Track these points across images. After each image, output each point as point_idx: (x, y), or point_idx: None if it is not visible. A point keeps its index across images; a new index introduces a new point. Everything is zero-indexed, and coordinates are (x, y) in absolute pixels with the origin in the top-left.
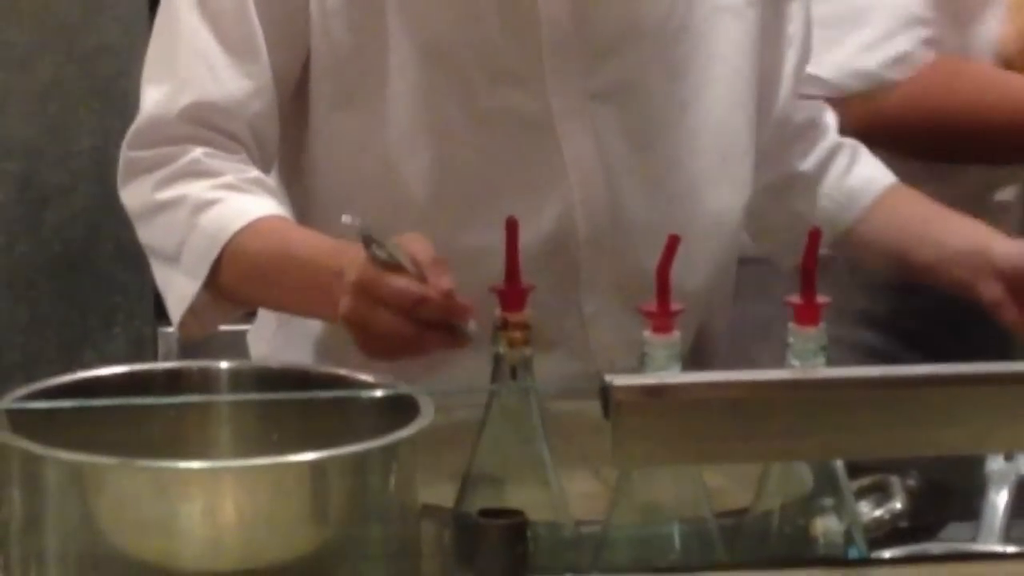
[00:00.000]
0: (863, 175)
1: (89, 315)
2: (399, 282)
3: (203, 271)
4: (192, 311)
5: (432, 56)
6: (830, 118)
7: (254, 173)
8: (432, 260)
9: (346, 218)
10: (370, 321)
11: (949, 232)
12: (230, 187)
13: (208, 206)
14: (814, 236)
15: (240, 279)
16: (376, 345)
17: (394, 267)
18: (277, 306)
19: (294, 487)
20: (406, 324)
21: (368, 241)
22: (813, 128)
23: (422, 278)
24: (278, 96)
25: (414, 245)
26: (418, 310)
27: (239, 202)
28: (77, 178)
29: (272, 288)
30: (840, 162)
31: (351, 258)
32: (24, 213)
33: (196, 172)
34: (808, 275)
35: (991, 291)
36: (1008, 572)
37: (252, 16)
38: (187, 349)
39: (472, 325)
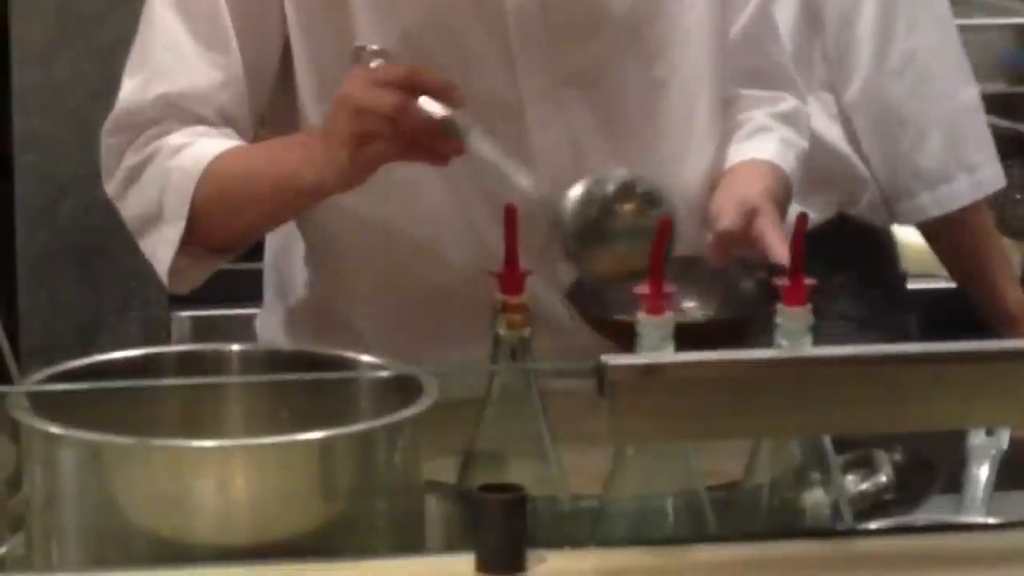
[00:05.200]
0: (744, 146)
1: (105, 301)
2: (397, 65)
3: (185, 207)
4: (179, 262)
5: (405, 46)
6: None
7: (227, 130)
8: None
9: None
10: (365, 98)
11: (722, 192)
12: (200, 134)
13: (181, 148)
14: (801, 219)
15: (221, 196)
16: (362, 132)
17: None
18: (272, 198)
19: (303, 465)
20: (392, 95)
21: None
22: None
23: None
24: (254, 87)
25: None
26: (418, 80)
27: (211, 141)
28: (94, 169)
29: (254, 181)
30: (742, 131)
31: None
32: (43, 203)
33: (168, 133)
34: (796, 257)
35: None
36: (989, 543)
37: (222, 9)
38: (199, 333)
39: (455, 115)
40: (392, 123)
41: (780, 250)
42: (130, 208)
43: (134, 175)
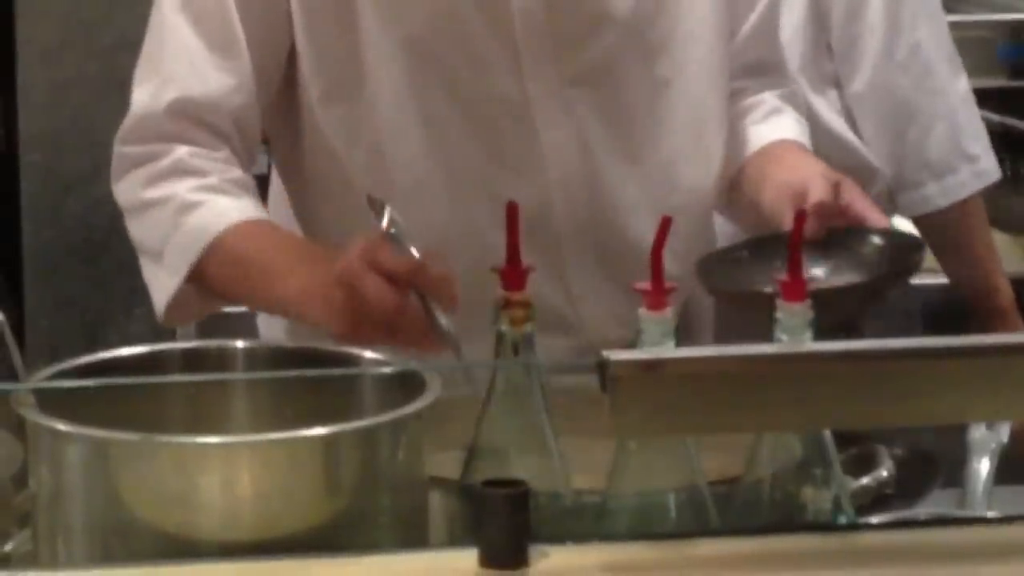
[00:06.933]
0: (766, 127)
1: (111, 298)
2: (401, 252)
3: (184, 269)
4: (175, 304)
5: (411, 49)
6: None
7: (237, 173)
8: (436, 253)
9: (373, 198)
10: (361, 282)
11: (782, 169)
12: (213, 189)
13: (192, 208)
14: (800, 214)
15: (224, 278)
16: (356, 313)
17: (402, 248)
18: (262, 302)
19: (307, 461)
20: (392, 295)
21: (383, 212)
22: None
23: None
24: (262, 91)
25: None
26: (415, 278)
27: (221, 204)
28: (98, 167)
29: (256, 286)
30: (757, 112)
31: (336, 250)
32: (48, 201)
33: (181, 171)
34: (795, 253)
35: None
36: (990, 537)
37: (233, 14)
38: (204, 330)
39: (449, 323)
40: (388, 316)
41: (876, 215)
42: (134, 231)
43: (143, 207)
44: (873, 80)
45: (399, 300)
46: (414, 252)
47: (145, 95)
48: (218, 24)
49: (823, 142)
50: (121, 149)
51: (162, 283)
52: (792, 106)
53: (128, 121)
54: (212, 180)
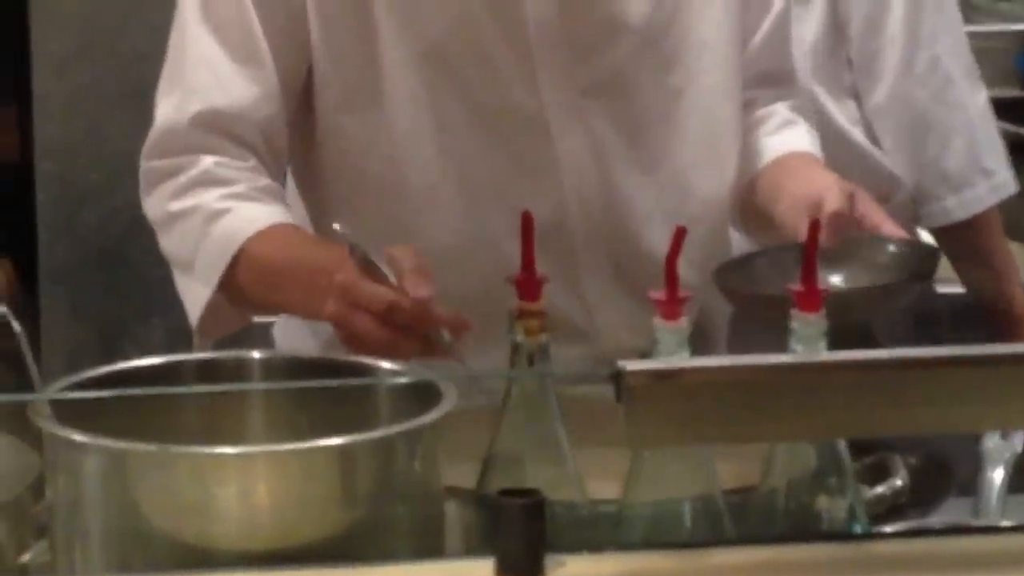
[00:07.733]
0: (779, 138)
1: (127, 308)
2: (374, 287)
3: (215, 278)
4: (208, 314)
5: (427, 58)
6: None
7: (264, 181)
8: (414, 268)
9: (336, 226)
10: (349, 323)
11: (797, 181)
12: (240, 196)
13: (219, 216)
14: (815, 224)
15: (251, 284)
16: (357, 345)
17: (376, 272)
18: (285, 309)
19: (323, 470)
20: (381, 328)
21: (352, 247)
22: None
23: (400, 285)
24: (286, 101)
25: (401, 253)
26: (392, 315)
27: (249, 211)
28: (114, 177)
29: (279, 292)
30: (770, 124)
31: (340, 261)
32: (64, 211)
33: (208, 181)
34: (809, 262)
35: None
36: (1004, 546)
37: (255, 25)
38: (220, 341)
39: (447, 334)
40: (386, 344)
41: (891, 226)
42: (164, 244)
43: (172, 220)
44: (893, 93)
45: (390, 331)
46: (388, 272)
47: (169, 108)
48: (240, 33)
49: (841, 152)
50: (147, 164)
51: (195, 294)
52: (804, 117)
53: (153, 135)
54: (240, 188)
